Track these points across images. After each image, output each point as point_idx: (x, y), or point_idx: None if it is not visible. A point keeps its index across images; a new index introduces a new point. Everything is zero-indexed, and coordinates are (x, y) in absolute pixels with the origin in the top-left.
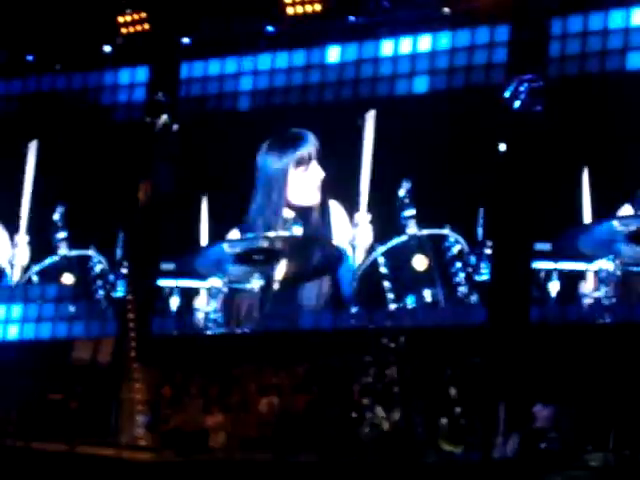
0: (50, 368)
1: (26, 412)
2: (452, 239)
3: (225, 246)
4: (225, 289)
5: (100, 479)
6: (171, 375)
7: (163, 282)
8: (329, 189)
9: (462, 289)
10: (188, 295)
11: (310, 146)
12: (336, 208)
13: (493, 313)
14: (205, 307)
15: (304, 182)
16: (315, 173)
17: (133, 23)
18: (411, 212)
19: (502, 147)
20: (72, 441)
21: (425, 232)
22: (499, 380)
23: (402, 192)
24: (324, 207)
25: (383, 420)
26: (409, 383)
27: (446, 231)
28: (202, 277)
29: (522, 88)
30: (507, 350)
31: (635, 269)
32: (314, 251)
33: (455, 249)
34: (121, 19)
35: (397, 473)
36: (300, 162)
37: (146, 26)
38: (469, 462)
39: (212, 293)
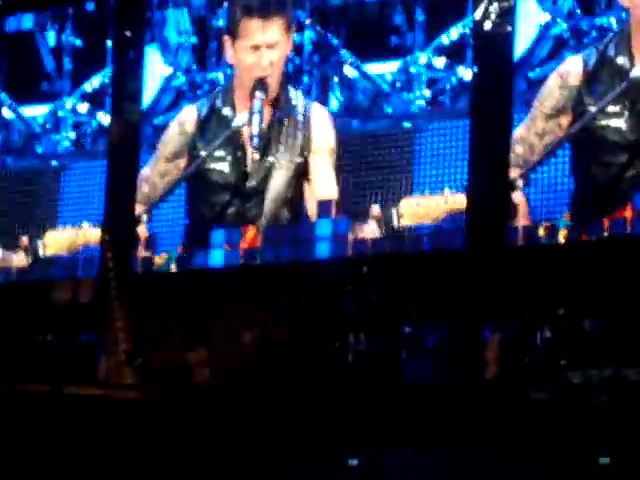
0: (30, 309)
1: (7, 354)
2: None
3: None
4: None
5: (85, 419)
6: (154, 312)
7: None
8: None
9: None
10: None
11: None
12: None
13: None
14: None
15: None
16: None
17: None
18: None
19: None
20: (56, 382)
21: None
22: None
23: None
24: None
25: (367, 346)
26: (392, 309)
27: None
28: None
29: (492, 8)
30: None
31: None
32: None
33: None
34: None
35: (381, 398)
36: None
37: None
38: (450, 384)
39: None
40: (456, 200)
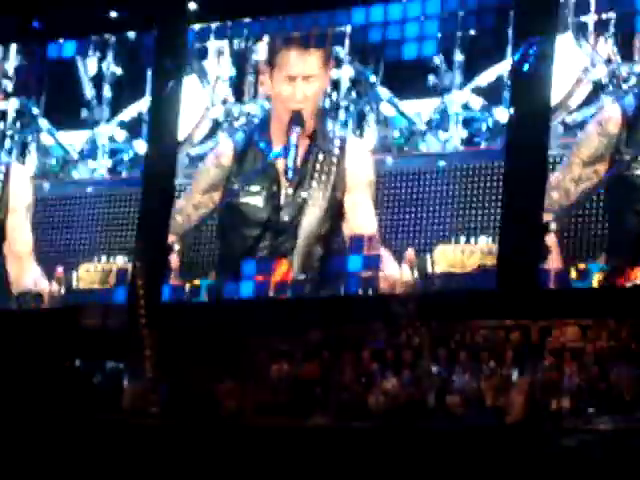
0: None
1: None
2: None
3: None
4: None
5: (109, 443)
6: (183, 341)
7: None
8: None
9: None
10: None
11: None
12: None
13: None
14: None
15: None
16: None
17: None
18: None
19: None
20: (82, 407)
21: None
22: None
23: None
24: None
25: (393, 385)
26: (419, 348)
27: None
28: None
29: (531, 51)
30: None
31: None
32: None
33: None
34: None
35: (407, 438)
36: None
37: None
38: (479, 426)
39: None
40: (489, 251)
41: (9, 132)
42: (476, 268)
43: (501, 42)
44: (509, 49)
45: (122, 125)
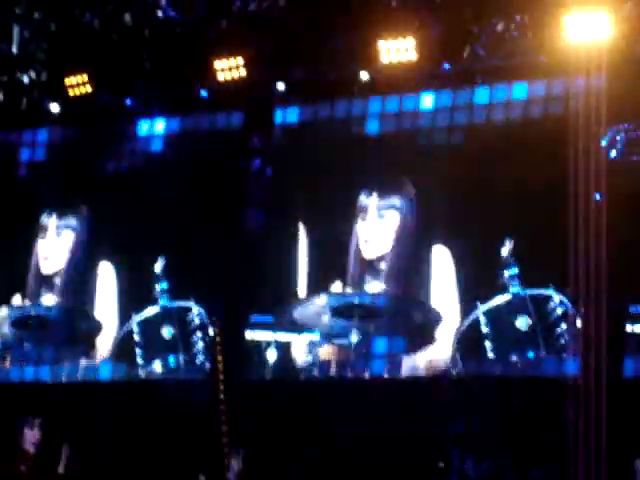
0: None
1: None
2: (557, 300)
3: (324, 299)
4: (323, 342)
5: None
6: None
7: (260, 334)
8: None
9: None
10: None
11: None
12: (440, 253)
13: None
14: (303, 359)
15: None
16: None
17: (229, 69)
18: (514, 271)
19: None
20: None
21: (529, 292)
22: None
23: (505, 251)
24: (421, 259)
25: (471, 470)
26: (498, 432)
27: (551, 292)
28: (299, 330)
29: (619, 137)
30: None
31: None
32: (414, 311)
33: (559, 310)
34: (218, 64)
35: None
36: (361, 210)
37: (242, 72)
38: None
39: (310, 346)
40: None
41: None
42: None
43: None
44: None
45: None
